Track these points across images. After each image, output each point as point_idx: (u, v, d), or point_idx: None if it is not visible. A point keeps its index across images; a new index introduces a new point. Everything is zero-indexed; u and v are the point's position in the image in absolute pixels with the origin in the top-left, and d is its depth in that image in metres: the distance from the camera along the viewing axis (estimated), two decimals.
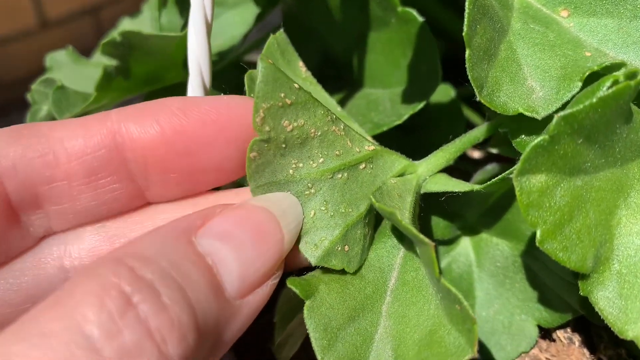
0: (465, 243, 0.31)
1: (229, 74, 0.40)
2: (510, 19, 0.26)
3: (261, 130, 0.23)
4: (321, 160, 0.25)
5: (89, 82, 0.38)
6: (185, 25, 0.33)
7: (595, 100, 0.20)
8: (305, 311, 0.23)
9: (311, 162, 0.24)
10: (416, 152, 0.37)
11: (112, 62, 0.33)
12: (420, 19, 0.31)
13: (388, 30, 0.33)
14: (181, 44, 0.32)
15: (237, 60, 0.40)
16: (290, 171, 0.24)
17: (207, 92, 0.27)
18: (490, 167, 0.35)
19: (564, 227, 0.22)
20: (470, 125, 0.35)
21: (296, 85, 0.24)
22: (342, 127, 0.25)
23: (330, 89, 0.39)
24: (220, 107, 0.23)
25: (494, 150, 0.33)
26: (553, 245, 0.21)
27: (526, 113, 0.23)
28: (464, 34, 0.22)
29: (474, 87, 0.23)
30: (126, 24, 0.42)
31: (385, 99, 0.34)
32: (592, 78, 0.23)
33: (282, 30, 0.27)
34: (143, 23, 0.41)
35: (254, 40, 0.41)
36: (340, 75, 0.39)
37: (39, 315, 0.16)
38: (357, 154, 0.25)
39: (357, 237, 0.25)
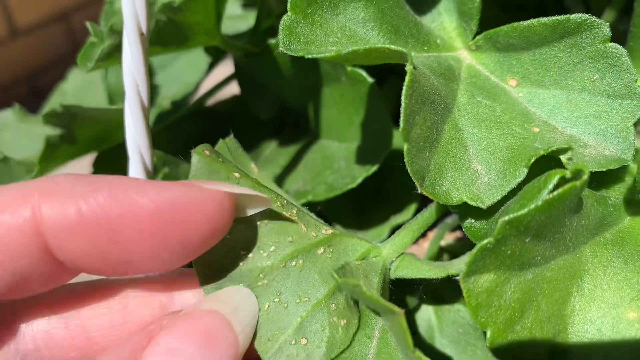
0: (427, 308, 0.31)
1: (184, 124, 0.39)
2: (456, 92, 0.25)
3: None
4: (272, 248, 0.23)
5: (37, 143, 0.37)
6: None
7: (541, 204, 0.19)
8: None
9: (261, 252, 0.23)
10: (373, 202, 0.36)
11: (55, 131, 0.32)
12: (370, 79, 0.30)
13: (340, 86, 0.32)
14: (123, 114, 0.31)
15: (193, 110, 0.39)
16: (241, 263, 0.23)
17: (149, 174, 0.26)
18: (451, 220, 0.34)
19: (515, 324, 0.21)
20: None
21: (236, 175, 0.23)
22: (294, 212, 0.24)
23: (289, 136, 0.39)
24: (164, 208, 0.20)
25: None
26: (505, 344, 0.21)
27: (471, 202, 0.22)
28: (400, 130, 0.21)
29: (414, 180, 0.22)
30: (76, 75, 0.41)
31: (340, 156, 0.33)
32: (540, 161, 0.22)
33: (232, 136, 0.26)
34: (93, 74, 0.40)
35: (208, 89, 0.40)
36: (298, 122, 0.38)
37: None
38: (314, 238, 0.24)
39: (317, 328, 0.23)
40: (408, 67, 0.22)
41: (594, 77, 0.24)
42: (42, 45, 1.85)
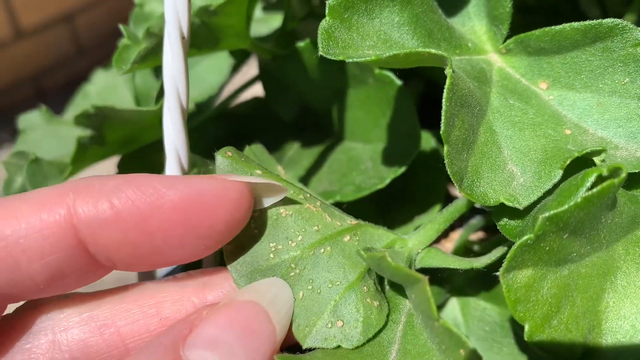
0: (453, 306, 0.31)
1: (209, 126, 0.40)
2: (489, 95, 0.25)
3: None
4: (300, 238, 0.24)
5: (63, 144, 0.37)
6: (162, 92, 0.32)
7: (580, 200, 0.20)
8: None
9: (289, 242, 0.24)
10: (397, 202, 0.37)
11: (86, 132, 0.32)
12: (398, 82, 0.31)
13: (366, 88, 0.33)
14: (156, 115, 0.31)
15: (218, 112, 0.39)
16: (271, 255, 0.24)
17: (186, 174, 0.27)
18: (475, 221, 0.35)
19: (552, 319, 0.22)
20: None
21: (259, 172, 0.24)
22: (318, 204, 0.25)
23: (311, 137, 0.39)
24: (192, 195, 0.22)
25: (477, 205, 0.33)
26: (542, 338, 0.21)
27: (508, 203, 0.23)
28: (441, 132, 0.22)
29: (453, 181, 0.22)
30: (100, 77, 0.41)
31: (366, 157, 0.33)
32: (574, 163, 0.23)
33: (257, 142, 0.27)
34: (116, 77, 0.41)
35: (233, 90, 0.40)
36: (320, 124, 0.38)
37: None
38: (339, 227, 0.25)
39: (352, 310, 0.24)
40: (448, 71, 0.22)
41: (625, 81, 0.24)
42: (47, 47, 1.85)
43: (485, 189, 0.23)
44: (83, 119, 0.31)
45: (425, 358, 0.24)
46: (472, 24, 0.28)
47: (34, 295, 0.22)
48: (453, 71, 0.22)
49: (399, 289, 0.26)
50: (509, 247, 0.25)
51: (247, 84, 0.39)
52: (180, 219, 0.21)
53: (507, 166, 0.24)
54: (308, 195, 0.25)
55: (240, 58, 0.39)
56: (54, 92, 1.88)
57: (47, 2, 1.83)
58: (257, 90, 0.42)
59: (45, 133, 0.38)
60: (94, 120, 0.31)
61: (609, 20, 0.24)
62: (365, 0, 0.25)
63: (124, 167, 0.39)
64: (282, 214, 0.24)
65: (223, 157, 0.24)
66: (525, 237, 0.20)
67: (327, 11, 0.24)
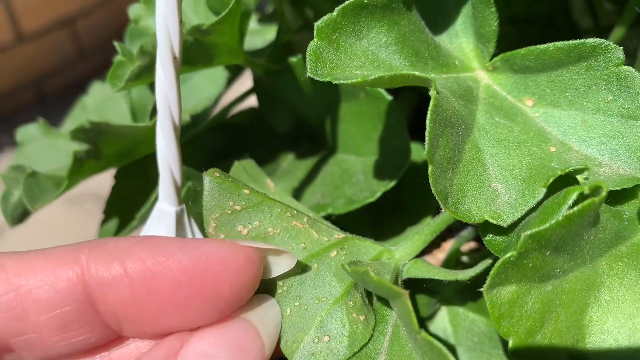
0: (443, 316, 0.32)
1: (205, 137, 0.40)
2: (475, 113, 0.26)
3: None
4: None
5: (61, 157, 0.38)
6: (155, 110, 0.33)
7: (561, 219, 0.20)
8: None
9: None
10: (390, 213, 0.37)
11: (82, 146, 0.33)
12: (389, 97, 0.31)
13: (358, 103, 0.33)
14: (151, 130, 0.32)
15: (213, 124, 0.40)
16: None
17: (179, 190, 0.27)
18: (467, 233, 0.35)
19: (536, 334, 0.22)
20: None
21: (246, 192, 0.25)
22: (305, 220, 0.25)
23: (305, 149, 0.40)
24: (200, 260, 0.22)
25: None
26: (526, 353, 0.22)
27: (492, 221, 0.23)
28: (425, 153, 0.22)
29: (438, 199, 0.23)
30: (97, 89, 0.42)
31: (358, 170, 0.34)
32: (557, 180, 0.23)
33: (246, 156, 0.27)
34: None
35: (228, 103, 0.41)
36: (314, 136, 0.39)
37: None
38: (326, 242, 0.26)
39: (338, 325, 0.25)
40: (432, 93, 0.23)
41: (608, 99, 0.25)
42: (48, 51, 1.86)
43: (469, 206, 0.23)
44: (79, 134, 0.32)
45: None
46: (459, 41, 0.28)
47: (41, 350, 0.22)
48: (437, 92, 0.23)
49: (385, 301, 0.26)
50: (495, 261, 0.25)
51: (243, 96, 0.40)
52: (187, 280, 0.22)
53: (492, 184, 0.24)
54: (295, 212, 0.25)
55: (235, 71, 0.40)
56: (55, 96, 1.89)
57: (49, 6, 1.83)
58: (253, 100, 0.42)
59: (42, 146, 0.39)
60: (90, 134, 0.32)
61: (591, 40, 0.25)
62: (353, 22, 0.25)
63: (121, 179, 0.39)
64: (270, 232, 0.24)
65: (211, 178, 0.25)
66: (508, 255, 0.21)
67: (315, 33, 0.24)
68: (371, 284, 0.23)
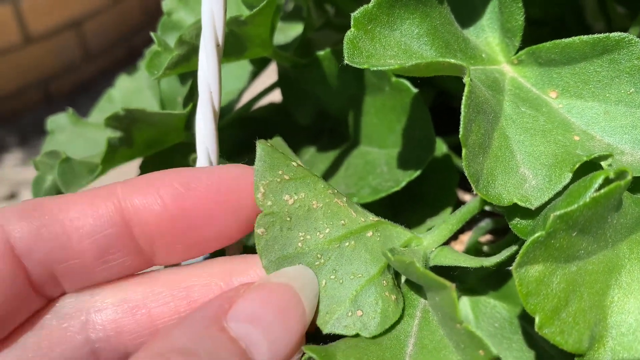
0: (465, 304, 0.32)
1: (229, 130, 0.41)
2: (502, 103, 0.27)
3: (264, 206, 0.24)
4: (327, 230, 0.26)
5: (89, 145, 0.39)
6: (189, 98, 0.34)
7: (589, 200, 0.22)
8: None
9: (318, 233, 0.26)
10: (410, 205, 0.38)
11: (115, 133, 0.34)
12: (414, 89, 0.32)
13: (382, 96, 0.34)
14: (182, 118, 0.33)
15: (238, 117, 0.41)
16: (299, 244, 0.25)
17: None
18: (484, 224, 0.36)
19: (561, 312, 0.23)
20: (462, 176, 0.36)
21: (294, 164, 0.26)
22: (344, 199, 0.26)
23: (327, 142, 0.41)
24: (221, 179, 0.25)
25: (487, 208, 0.35)
26: (551, 329, 0.23)
27: (520, 203, 0.24)
28: (460, 136, 0.23)
29: (470, 182, 0.24)
30: (124, 82, 0.43)
31: (382, 161, 0.35)
32: (582, 167, 0.25)
33: (278, 137, 0.29)
34: (141, 81, 0.42)
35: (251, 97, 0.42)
36: (336, 129, 0.40)
37: None
38: (362, 222, 0.27)
39: (372, 301, 0.26)
40: (466, 79, 0.24)
41: (631, 90, 0.26)
42: (55, 52, 1.87)
43: (499, 190, 0.25)
44: (113, 121, 0.33)
45: (441, 353, 0.25)
46: (486, 35, 0.29)
47: (81, 276, 0.24)
48: (471, 80, 0.24)
49: (414, 286, 0.27)
50: (519, 248, 0.26)
51: (267, 90, 0.41)
52: (212, 195, 0.24)
53: (520, 169, 0.25)
54: (335, 190, 0.26)
55: (259, 66, 0.41)
56: (61, 97, 1.90)
57: (56, 8, 1.84)
58: (273, 96, 0.43)
59: (72, 134, 0.40)
60: (123, 122, 0.33)
61: (616, 34, 0.26)
62: (387, 13, 0.26)
63: (146, 169, 0.40)
64: (314, 205, 0.25)
65: (263, 146, 0.26)
66: (537, 234, 0.22)
67: (352, 23, 0.25)
68: (415, 274, 0.24)
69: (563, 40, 0.27)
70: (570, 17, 0.46)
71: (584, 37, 0.26)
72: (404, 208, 0.38)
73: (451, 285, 0.22)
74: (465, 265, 0.28)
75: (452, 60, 0.24)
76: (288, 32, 0.44)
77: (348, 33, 0.25)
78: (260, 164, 0.25)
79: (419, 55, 0.26)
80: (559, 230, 0.22)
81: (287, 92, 0.39)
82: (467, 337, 0.22)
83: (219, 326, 0.22)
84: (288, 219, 0.25)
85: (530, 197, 0.24)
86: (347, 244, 0.26)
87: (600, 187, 0.22)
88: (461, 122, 0.23)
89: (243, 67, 0.42)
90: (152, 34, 0.31)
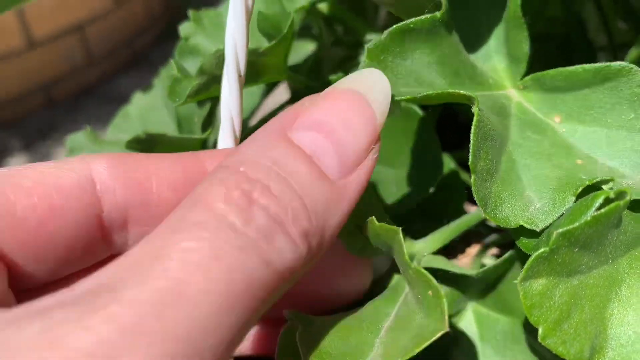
0: (468, 317, 0.34)
1: None
2: (509, 128, 0.28)
3: None
4: None
5: None
6: (207, 122, 0.35)
7: (590, 219, 0.23)
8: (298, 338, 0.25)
9: None
10: (417, 219, 0.40)
11: None
12: (421, 113, 0.34)
13: (392, 118, 0.36)
14: (200, 141, 0.34)
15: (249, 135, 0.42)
16: None
17: None
18: (492, 239, 0.38)
19: (563, 323, 0.24)
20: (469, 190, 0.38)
21: None
22: None
23: None
24: None
25: (491, 224, 0.36)
26: (554, 340, 0.24)
27: (526, 226, 0.26)
28: (470, 163, 0.25)
29: (479, 206, 0.25)
30: (139, 99, 0.45)
31: (391, 181, 0.36)
32: (585, 189, 0.26)
33: None
34: (156, 99, 0.44)
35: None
36: None
37: (185, 214, 0.19)
38: None
39: None
40: (475, 109, 0.25)
41: (631, 116, 0.27)
42: (58, 56, 1.88)
43: (506, 213, 0.26)
44: (135, 144, 0.34)
45: (411, 317, 0.26)
46: (493, 62, 0.31)
47: (144, 227, 0.25)
48: (479, 109, 0.25)
49: (402, 277, 0.29)
50: (504, 260, 0.29)
51: (278, 109, 0.42)
52: None
53: (526, 192, 0.27)
54: None
55: (272, 85, 0.43)
56: (64, 101, 1.91)
57: (59, 12, 1.86)
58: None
59: (91, 153, 0.42)
60: (144, 144, 0.34)
61: (616, 64, 0.27)
62: (399, 44, 0.28)
63: None
64: None
65: None
66: (540, 250, 0.23)
67: (366, 54, 0.27)
68: (373, 231, 0.26)
69: (567, 68, 0.28)
70: (574, 33, 0.47)
71: (587, 66, 0.28)
72: (412, 222, 0.39)
73: (398, 229, 0.24)
74: (450, 270, 0.30)
75: (462, 92, 0.26)
76: (298, 51, 0.45)
77: (362, 64, 0.27)
78: None
79: (429, 83, 0.28)
80: (561, 247, 0.23)
81: None
82: (419, 281, 0.24)
83: (283, 137, 0.22)
84: None
85: (536, 220, 0.26)
86: None
87: (601, 206, 0.24)
88: (470, 150, 0.25)
89: (255, 86, 0.43)
90: (172, 60, 0.33)
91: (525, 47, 0.30)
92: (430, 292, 0.23)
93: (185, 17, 0.40)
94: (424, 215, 0.39)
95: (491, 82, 0.30)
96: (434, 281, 0.23)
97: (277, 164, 0.21)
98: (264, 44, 0.31)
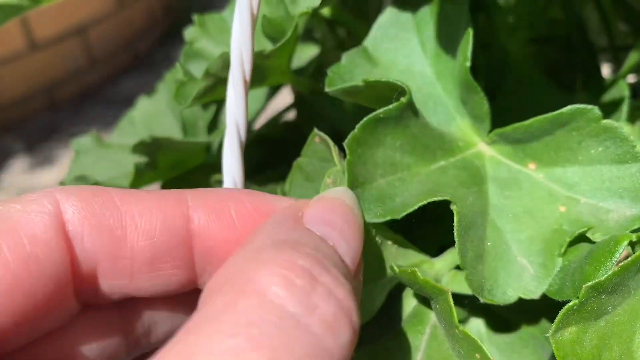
0: (477, 320, 0.34)
1: (249, 150, 0.43)
2: (487, 193, 0.28)
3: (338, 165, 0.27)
4: None
5: (114, 166, 0.41)
6: (212, 125, 0.36)
7: (618, 269, 0.23)
8: None
9: None
10: (420, 224, 0.40)
11: (142, 159, 0.36)
12: None
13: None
14: (205, 145, 0.35)
15: (257, 137, 0.42)
16: None
17: None
18: None
19: None
20: None
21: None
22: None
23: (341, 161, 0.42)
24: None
25: None
26: None
27: (524, 297, 0.26)
28: (459, 263, 0.25)
29: (476, 294, 0.25)
30: (144, 104, 0.45)
31: None
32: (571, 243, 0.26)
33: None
34: (161, 103, 0.44)
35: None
36: None
37: (229, 308, 0.16)
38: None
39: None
40: (453, 207, 0.26)
41: (599, 150, 0.27)
42: (60, 58, 1.88)
43: (504, 289, 0.26)
44: (140, 148, 0.35)
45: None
46: (457, 123, 0.31)
47: (123, 280, 0.22)
48: (457, 205, 0.26)
49: (425, 302, 0.29)
50: None
51: (283, 112, 0.43)
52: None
53: (517, 260, 0.27)
54: None
55: (275, 88, 0.43)
56: (66, 104, 1.92)
57: (61, 14, 1.86)
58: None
59: (96, 156, 0.42)
60: (150, 148, 0.35)
61: (567, 109, 0.27)
62: (371, 133, 0.28)
63: (168, 188, 0.42)
64: None
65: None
66: (571, 304, 0.24)
67: (347, 151, 0.27)
68: (417, 284, 0.26)
69: (523, 123, 0.28)
70: (575, 35, 0.47)
71: (540, 118, 0.28)
72: (414, 227, 0.39)
73: (447, 290, 0.24)
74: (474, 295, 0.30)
75: (441, 198, 0.27)
76: (301, 55, 0.46)
77: (346, 161, 0.27)
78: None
79: (402, 164, 0.28)
80: (590, 297, 0.24)
81: (303, 115, 0.41)
82: (465, 341, 0.24)
83: (305, 227, 0.21)
84: None
85: (532, 288, 0.26)
86: None
87: (627, 259, 0.24)
88: (457, 250, 0.25)
89: (260, 89, 0.44)
90: (177, 64, 0.33)
91: (484, 107, 0.30)
92: (478, 356, 0.23)
93: (186, 20, 0.40)
94: (428, 219, 0.39)
95: (461, 144, 0.30)
96: (483, 347, 0.23)
97: (314, 247, 0.19)
98: (268, 47, 0.31)
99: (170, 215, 0.22)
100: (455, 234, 0.26)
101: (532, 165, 0.29)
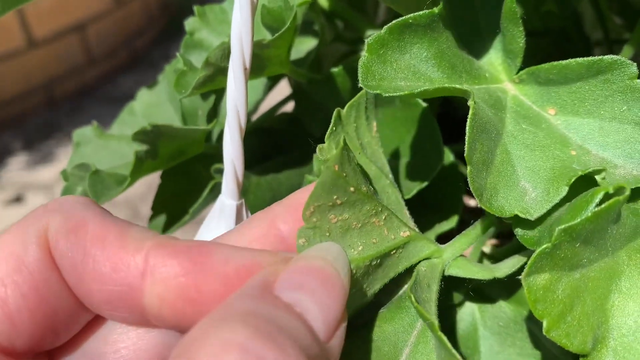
0: (471, 304, 0.35)
1: (248, 140, 0.43)
2: (504, 120, 0.29)
3: (308, 221, 0.25)
4: (360, 248, 0.27)
5: (114, 156, 0.41)
6: (212, 114, 0.36)
7: (590, 215, 0.24)
8: None
9: (352, 250, 0.27)
10: (419, 212, 0.41)
11: (142, 147, 0.36)
12: (424, 104, 0.34)
13: (393, 108, 0.36)
14: (205, 132, 0.35)
15: (256, 128, 0.43)
16: None
17: (240, 185, 0.31)
18: (491, 230, 0.38)
19: (566, 316, 0.25)
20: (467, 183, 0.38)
21: (352, 189, 0.26)
22: (383, 217, 0.28)
23: None
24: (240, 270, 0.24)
25: None
26: (558, 332, 0.25)
27: (521, 215, 0.26)
28: (465, 155, 0.25)
29: (475, 196, 0.26)
30: (144, 95, 0.45)
31: (392, 170, 0.37)
32: (578, 180, 0.27)
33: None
34: (161, 95, 0.44)
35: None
36: None
37: None
38: (392, 241, 0.28)
39: None
40: (470, 102, 0.26)
41: (623, 108, 0.28)
42: (58, 56, 1.89)
43: (501, 202, 0.27)
44: (141, 136, 0.35)
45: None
46: (489, 56, 0.32)
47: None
48: (475, 102, 0.26)
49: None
50: (528, 258, 0.29)
51: (282, 103, 0.43)
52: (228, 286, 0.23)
53: (520, 183, 0.27)
54: (380, 208, 0.27)
55: (274, 79, 0.43)
56: (65, 101, 1.92)
57: (59, 12, 1.86)
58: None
59: (96, 147, 0.42)
60: (150, 136, 0.35)
61: (608, 57, 0.28)
62: (397, 38, 0.28)
63: (167, 179, 0.43)
64: (353, 225, 0.27)
65: (329, 172, 0.25)
66: (543, 246, 0.24)
67: (366, 48, 0.27)
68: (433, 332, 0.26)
69: (561, 62, 0.29)
70: (570, 29, 0.48)
71: (580, 60, 0.28)
72: (413, 213, 0.40)
73: (435, 325, 0.25)
74: (477, 278, 0.30)
75: (458, 86, 0.26)
76: (300, 47, 0.46)
77: (362, 58, 0.27)
78: (319, 188, 0.25)
79: (427, 77, 0.29)
80: (563, 242, 0.24)
81: (301, 105, 0.41)
82: (441, 347, 0.24)
83: (271, 295, 0.21)
84: (327, 234, 0.26)
85: (530, 209, 0.26)
86: (374, 262, 0.27)
87: (601, 201, 0.24)
88: (466, 142, 0.25)
89: (260, 80, 0.44)
90: (178, 54, 0.33)
91: (520, 41, 0.30)
92: None
93: (183, 17, 0.41)
94: (425, 206, 0.40)
95: (487, 76, 0.31)
96: (455, 354, 0.23)
97: (275, 320, 0.20)
98: (268, 37, 0.32)
99: (124, 266, 0.23)
100: (467, 125, 0.26)
101: (551, 111, 0.29)
